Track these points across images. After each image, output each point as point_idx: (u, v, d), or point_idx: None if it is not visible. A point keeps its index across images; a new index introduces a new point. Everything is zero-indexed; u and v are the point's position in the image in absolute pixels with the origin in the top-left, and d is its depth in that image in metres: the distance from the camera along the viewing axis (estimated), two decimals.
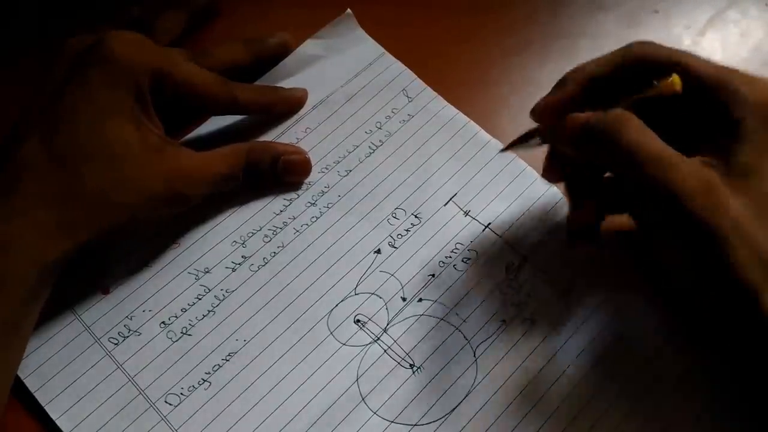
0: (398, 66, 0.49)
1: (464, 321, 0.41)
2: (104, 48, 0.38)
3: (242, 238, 0.43)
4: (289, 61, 0.48)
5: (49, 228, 0.36)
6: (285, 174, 0.44)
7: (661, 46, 0.35)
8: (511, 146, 0.40)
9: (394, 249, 0.43)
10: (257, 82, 0.47)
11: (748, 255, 0.31)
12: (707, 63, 0.34)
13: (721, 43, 0.51)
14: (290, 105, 0.47)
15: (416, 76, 0.48)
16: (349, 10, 0.50)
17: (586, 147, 0.35)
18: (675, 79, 0.34)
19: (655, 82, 0.34)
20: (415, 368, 0.40)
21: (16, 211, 0.35)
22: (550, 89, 0.46)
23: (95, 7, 0.51)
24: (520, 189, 0.45)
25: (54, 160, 0.36)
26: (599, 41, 0.51)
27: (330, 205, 0.44)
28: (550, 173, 0.40)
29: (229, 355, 0.40)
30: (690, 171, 0.32)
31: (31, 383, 0.39)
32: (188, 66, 0.41)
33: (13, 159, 0.36)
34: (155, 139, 0.39)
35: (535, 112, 0.38)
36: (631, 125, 0.33)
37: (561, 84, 0.37)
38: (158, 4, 0.48)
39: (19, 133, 0.37)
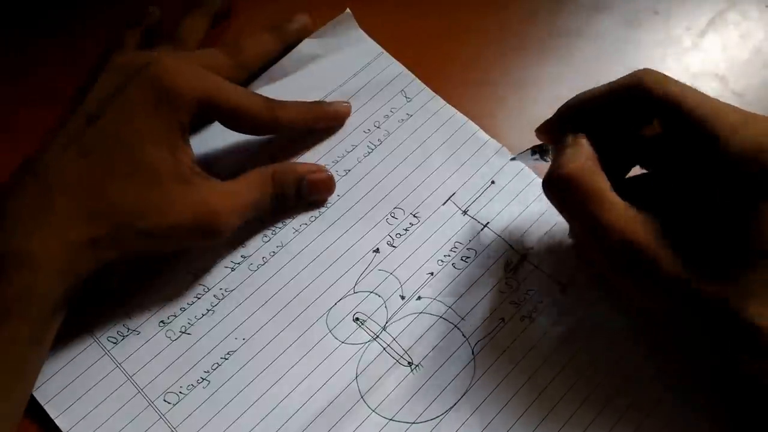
0: (397, 66, 0.49)
1: (463, 319, 0.41)
2: (151, 73, 0.38)
3: (241, 238, 0.43)
4: (287, 60, 0.48)
5: (78, 246, 0.36)
6: (310, 194, 0.44)
7: (659, 81, 0.35)
8: (519, 159, 0.43)
9: (393, 248, 0.43)
10: (255, 82, 0.48)
11: (695, 310, 0.32)
12: (700, 105, 0.34)
13: (721, 45, 0.51)
14: (335, 120, 0.47)
15: (414, 76, 0.48)
16: (348, 10, 0.50)
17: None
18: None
19: None
20: (413, 366, 0.40)
21: (48, 226, 0.35)
22: (549, 89, 0.46)
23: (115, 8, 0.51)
24: (518, 188, 0.45)
25: (87, 179, 0.36)
26: (599, 42, 0.51)
27: (329, 205, 0.44)
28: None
29: (228, 353, 0.40)
30: (622, 235, 0.33)
31: None
32: (236, 93, 0.41)
33: (47, 174, 0.36)
34: (185, 170, 0.39)
35: (537, 132, 0.40)
36: (580, 182, 0.34)
37: (560, 110, 0.39)
38: (178, 5, 0.49)
39: (54, 147, 0.37)
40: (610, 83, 0.36)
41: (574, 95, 0.38)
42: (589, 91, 0.37)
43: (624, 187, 0.35)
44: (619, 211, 0.33)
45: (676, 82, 0.35)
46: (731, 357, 0.32)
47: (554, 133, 0.39)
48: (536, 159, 0.41)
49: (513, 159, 0.45)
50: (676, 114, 0.34)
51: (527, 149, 0.41)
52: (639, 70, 0.36)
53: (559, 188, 0.35)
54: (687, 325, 0.34)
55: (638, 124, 0.37)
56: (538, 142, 0.41)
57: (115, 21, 0.49)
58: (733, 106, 0.34)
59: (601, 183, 0.34)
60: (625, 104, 0.36)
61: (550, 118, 0.39)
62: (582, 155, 0.35)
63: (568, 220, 0.38)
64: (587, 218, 0.34)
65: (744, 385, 0.34)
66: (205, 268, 0.42)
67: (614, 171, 0.36)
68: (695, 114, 0.33)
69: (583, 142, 0.36)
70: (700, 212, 0.33)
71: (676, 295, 0.32)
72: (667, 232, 0.33)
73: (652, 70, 0.35)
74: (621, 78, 0.36)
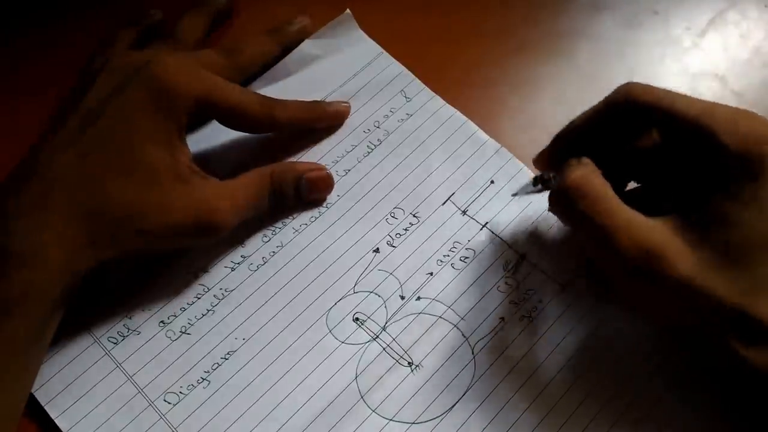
0: (396, 66, 0.49)
1: (462, 319, 0.41)
2: (151, 73, 0.38)
3: (241, 238, 0.43)
4: (288, 60, 0.48)
5: (76, 244, 0.36)
6: (309, 193, 0.44)
7: (646, 90, 0.35)
8: (521, 193, 0.44)
9: (393, 248, 0.43)
10: (256, 83, 0.48)
11: (706, 308, 0.32)
12: (690, 105, 0.34)
13: (721, 45, 0.51)
14: (335, 120, 0.47)
15: (414, 76, 0.48)
16: (348, 10, 0.50)
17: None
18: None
19: None
20: (413, 366, 0.40)
21: (47, 225, 0.35)
22: (548, 89, 0.46)
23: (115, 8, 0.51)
24: (517, 188, 0.45)
25: (87, 178, 0.37)
26: (599, 42, 0.51)
27: (329, 205, 0.44)
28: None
29: (228, 353, 0.40)
30: (631, 237, 0.33)
31: None
32: (233, 91, 0.41)
33: (45, 172, 0.37)
34: (183, 169, 0.39)
35: (534, 162, 0.41)
36: (586, 190, 0.34)
37: (554, 138, 0.39)
38: (180, 6, 0.49)
39: (54, 146, 0.38)
40: (597, 104, 0.37)
41: (566, 124, 0.39)
42: (578, 117, 0.38)
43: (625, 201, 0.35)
44: (626, 214, 0.33)
45: (661, 88, 0.35)
46: (739, 360, 0.32)
47: (552, 163, 0.39)
48: (539, 189, 0.41)
49: (515, 195, 0.44)
50: (670, 118, 0.34)
51: (528, 182, 0.42)
52: (621, 86, 0.36)
53: (564, 198, 0.35)
54: (695, 326, 0.34)
55: (631, 138, 0.38)
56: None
57: (115, 20, 0.49)
58: (720, 103, 0.34)
59: (606, 189, 0.34)
60: (616, 120, 0.36)
61: (546, 148, 0.40)
62: (585, 168, 0.35)
63: (575, 231, 0.38)
64: (595, 224, 0.33)
65: (747, 387, 0.34)
66: (205, 268, 0.42)
67: (614, 188, 0.36)
68: (689, 115, 0.34)
69: (587, 160, 0.36)
70: (703, 212, 0.33)
71: (686, 296, 0.32)
72: (675, 234, 0.33)
73: (635, 83, 0.36)
74: (606, 96, 0.37)
